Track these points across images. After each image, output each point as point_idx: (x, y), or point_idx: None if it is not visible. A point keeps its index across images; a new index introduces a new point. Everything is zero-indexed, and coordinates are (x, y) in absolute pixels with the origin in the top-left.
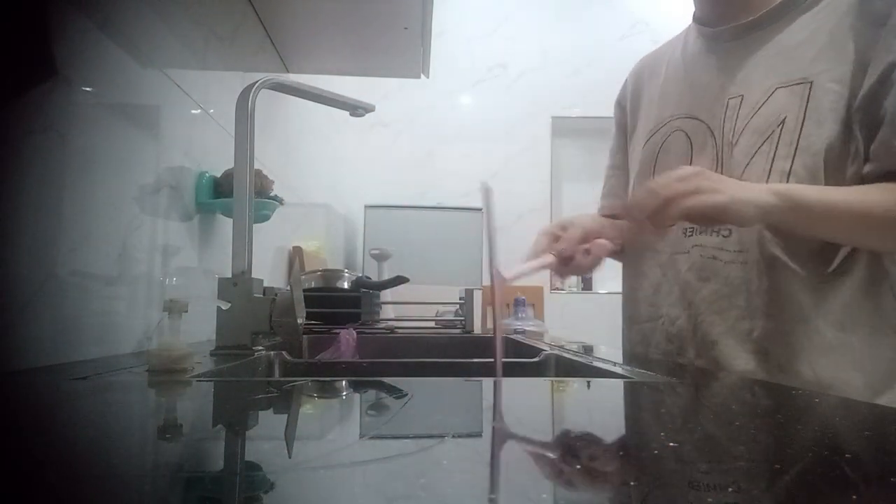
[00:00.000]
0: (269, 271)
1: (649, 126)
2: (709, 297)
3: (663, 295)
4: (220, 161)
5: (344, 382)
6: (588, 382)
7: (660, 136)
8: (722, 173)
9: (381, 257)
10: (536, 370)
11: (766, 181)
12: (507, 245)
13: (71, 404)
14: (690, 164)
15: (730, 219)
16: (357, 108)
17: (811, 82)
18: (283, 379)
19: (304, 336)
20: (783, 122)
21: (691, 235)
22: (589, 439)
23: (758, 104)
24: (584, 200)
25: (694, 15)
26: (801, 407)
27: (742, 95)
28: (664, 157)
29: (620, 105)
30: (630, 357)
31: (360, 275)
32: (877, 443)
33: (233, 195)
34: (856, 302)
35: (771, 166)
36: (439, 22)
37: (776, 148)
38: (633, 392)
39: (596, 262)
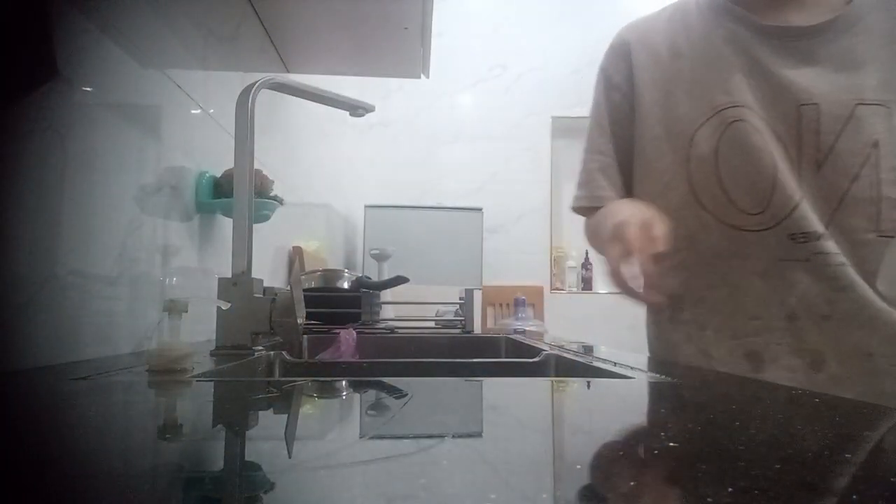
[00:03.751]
0: (269, 271)
1: (691, 113)
2: (852, 308)
3: (776, 307)
4: (220, 161)
5: (344, 382)
6: (588, 382)
7: (713, 128)
8: (803, 189)
9: (381, 257)
10: (536, 370)
11: (880, 210)
12: (507, 244)
13: (71, 404)
14: (769, 166)
15: None
16: (357, 108)
17: (889, 108)
18: (283, 379)
19: (304, 336)
20: (876, 144)
21: (805, 242)
22: (589, 439)
23: (841, 119)
24: None
25: None
26: (801, 407)
27: (817, 105)
28: (730, 151)
29: (611, 80)
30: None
31: (360, 275)
32: (877, 443)
33: (233, 195)
34: None
35: (880, 194)
36: (439, 22)
37: (879, 173)
38: (633, 392)
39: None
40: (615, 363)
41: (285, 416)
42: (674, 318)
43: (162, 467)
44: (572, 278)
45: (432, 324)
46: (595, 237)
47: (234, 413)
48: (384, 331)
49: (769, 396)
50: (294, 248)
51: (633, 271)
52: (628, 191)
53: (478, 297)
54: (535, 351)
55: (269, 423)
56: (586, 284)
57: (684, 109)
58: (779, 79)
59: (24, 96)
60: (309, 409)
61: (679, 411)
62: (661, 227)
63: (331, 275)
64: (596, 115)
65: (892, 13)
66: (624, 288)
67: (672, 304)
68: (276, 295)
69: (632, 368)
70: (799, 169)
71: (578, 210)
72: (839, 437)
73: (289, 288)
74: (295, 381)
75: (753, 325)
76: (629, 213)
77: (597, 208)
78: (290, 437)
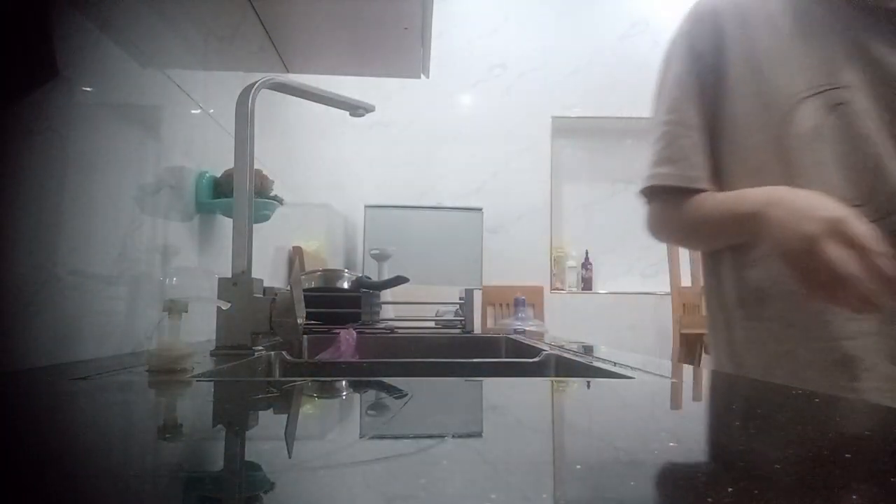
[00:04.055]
0: (269, 271)
1: (789, 90)
2: None
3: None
4: (220, 161)
5: (344, 382)
6: (588, 382)
7: (814, 108)
8: None
9: (381, 257)
10: (536, 370)
11: None
12: (507, 244)
13: (71, 404)
14: (874, 155)
15: None
16: (357, 108)
17: None
18: (283, 379)
19: (304, 336)
20: None
21: None
22: (589, 439)
23: None
24: (585, 201)
25: None
26: (802, 407)
27: None
28: (832, 134)
29: (695, 48)
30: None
31: (360, 275)
32: (877, 443)
33: (233, 195)
34: None
35: None
36: (439, 22)
37: None
38: (633, 392)
39: None
40: (615, 363)
41: (285, 416)
42: (755, 314)
43: (162, 467)
44: (572, 278)
45: (432, 324)
46: (723, 226)
47: (234, 413)
48: (384, 331)
49: (771, 397)
50: (294, 248)
51: (868, 275)
52: (713, 171)
53: (478, 297)
54: (535, 351)
55: (269, 423)
56: (586, 284)
57: (782, 85)
58: (885, 64)
59: (24, 96)
60: (309, 409)
61: (679, 411)
62: (866, 223)
63: (331, 275)
64: (680, 85)
65: None
66: (851, 295)
67: (755, 297)
68: (276, 295)
69: (632, 368)
70: None
71: (657, 189)
72: (840, 437)
73: (289, 288)
74: (295, 381)
75: (850, 327)
76: (833, 206)
77: (690, 190)
78: (290, 437)
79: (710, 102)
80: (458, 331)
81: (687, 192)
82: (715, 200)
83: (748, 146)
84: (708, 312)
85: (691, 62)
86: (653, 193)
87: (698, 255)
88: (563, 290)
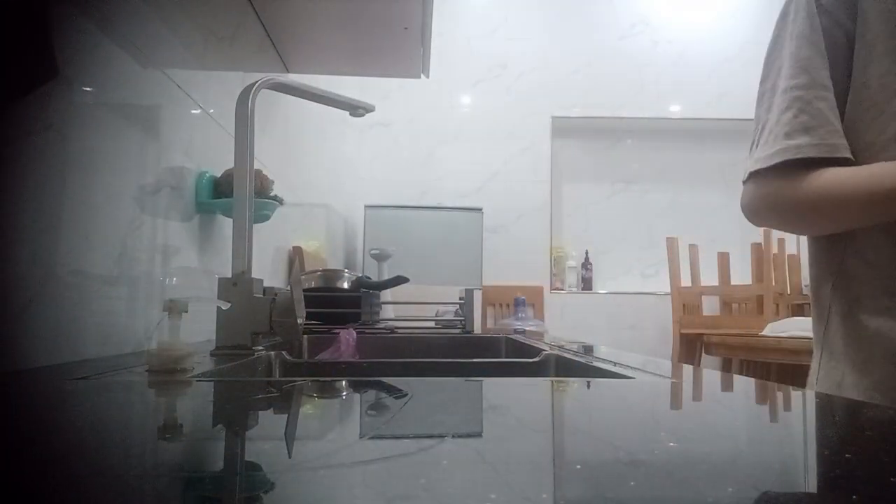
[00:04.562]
0: (269, 271)
1: None
2: None
3: None
4: (220, 161)
5: (344, 382)
6: (588, 382)
7: None
8: None
9: (381, 257)
10: (536, 370)
11: None
12: (507, 244)
13: (71, 404)
14: None
15: None
16: (357, 108)
17: None
18: (283, 379)
19: (304, 336)
20: None
21: None
22: (589, 439)
23: None
24: (585, 201)
25: None
26: (801, 407)
27: None
28: None
29: (821, 3)
30: None
31: (360, 275)
32: (877, 443)
33: (233, 195)
34: None
35: None
36: (439, 22)
37: None
38: (633, 392)
39: None
40: (615, 363)
41: (285, 416)
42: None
43: (162, 467)
44: (572, 278)
45: (432, 324)
46: (878, 200)
47: (234, 413)
48: (384, 331)
49: (771, 397)
50: (294, 248)
51: None
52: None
53: (478, 297)
54: (535, 351)
55: (269, 423)
56: (586, 284)
57: None
58: None
59: (24, 96)
60: (309, 409)
61: (679, 411)
62: None
63: (331, 275)
64: (807, 43)
65: None
66: None
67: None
68: (276, 295)
69: (632, 368)
70: None
71: (789, 162)
72: (840, 436)
73: (289, 288)
74: (295, 381)
75: None
76: None
77: (828, 161)
78: (290, 437)
79: (840, 63)
80: (458, 331)
81: (821, 164)
82: (867, 171)
83: (888, 112)
84: (818, 304)
85: (817, 18)
86: (768, 170)
87: (698, 255)
88: (563, 290)
